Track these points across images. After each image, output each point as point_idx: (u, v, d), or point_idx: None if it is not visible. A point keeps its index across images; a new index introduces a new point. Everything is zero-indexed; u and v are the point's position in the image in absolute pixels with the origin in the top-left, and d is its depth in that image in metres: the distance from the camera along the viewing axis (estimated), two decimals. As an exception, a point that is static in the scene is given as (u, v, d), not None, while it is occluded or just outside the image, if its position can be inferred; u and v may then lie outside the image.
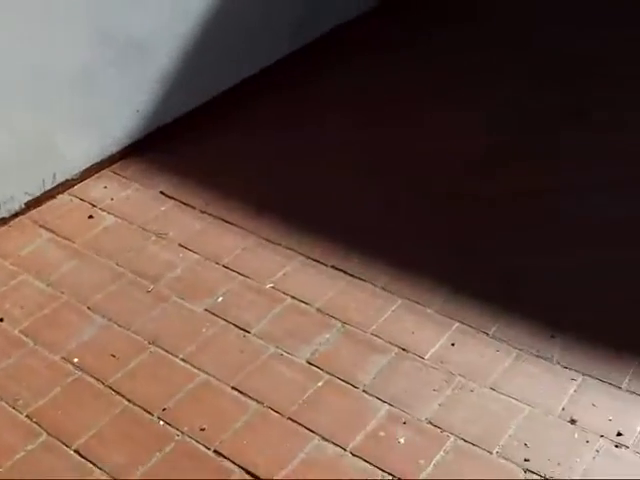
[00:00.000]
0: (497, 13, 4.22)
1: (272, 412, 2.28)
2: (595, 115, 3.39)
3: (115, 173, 3.30)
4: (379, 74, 3.79)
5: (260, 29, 3.70)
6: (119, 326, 2.59)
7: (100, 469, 2.16)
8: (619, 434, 2.15)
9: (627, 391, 2.27)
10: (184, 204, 3.10)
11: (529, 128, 3.34)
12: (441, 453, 2.14)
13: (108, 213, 3.09)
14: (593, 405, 2.24)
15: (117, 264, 2.84)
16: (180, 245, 2.91)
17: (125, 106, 3.32)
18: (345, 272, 2.74)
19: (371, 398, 2.30)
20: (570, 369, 2.34)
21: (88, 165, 3.26)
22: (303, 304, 2.63)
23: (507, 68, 3.76)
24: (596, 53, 3.77)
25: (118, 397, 2.36)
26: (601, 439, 2.15)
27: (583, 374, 2.32)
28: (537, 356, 2.39)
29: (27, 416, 2.32)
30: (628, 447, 2.12)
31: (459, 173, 3.13)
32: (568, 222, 2.86)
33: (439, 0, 4.38)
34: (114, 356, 2.49)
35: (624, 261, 2.67)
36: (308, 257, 2.81)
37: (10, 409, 2.34)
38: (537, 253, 2.75)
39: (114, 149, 3.34)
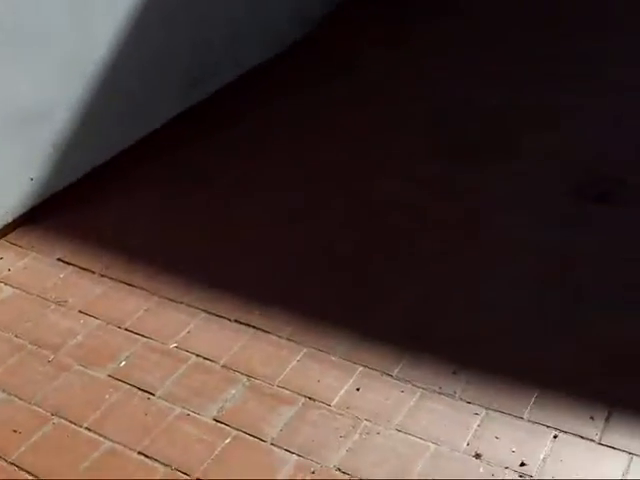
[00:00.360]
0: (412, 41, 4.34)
1: (180, 474, 2.25)
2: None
3: (11, 243, 3.25)
4: (274, 125, 3.85)
5: (150, 91, 3.72)
6: (20, 399, 2.54)
7: None
8: (522, 464, 2.19)
9: (528, 421, 2.31)
10: (83, 269, 3.07)
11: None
12: (351, 499, 2.15)
13: (5, 284, 3.03)
14: (496, 438, 2.28)
15: (16, 336, 2.78)
16: (80, 311, 2.87)
17: (18, 175, 3.28)
18: (248, 325, 2.74)
19: (279, 450, 2.30)
20: (473, 404, 2.38)
21: (-18, 237, 3.21)
22: (208, 361, 2.62)
23: (403, 111, 3.86)
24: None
25: (22, 472, 2.30)
26: (506, 470, 2.18)
27: (486, 408, 2.37)
28: (440, 393, 2.43)
29: None
30: (532, 476, 2.16)
31: (361, 220, 3.18)
32: (471, 255, 2.93)
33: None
34: (16, 431, 2.43)
35: (516, 296, 2.75)
36: (211, 313, 2.80)
37: None
38: (437, 290, 2.80)
39: (9, 218, 3.29)
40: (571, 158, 3.43)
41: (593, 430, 2.27)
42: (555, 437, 2.25)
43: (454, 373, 2.48)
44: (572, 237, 2.98)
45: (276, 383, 2.52)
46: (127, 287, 2.95)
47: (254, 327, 2.73)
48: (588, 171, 3.34)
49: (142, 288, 2.94)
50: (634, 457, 2.18)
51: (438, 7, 4.88)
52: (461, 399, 2.40)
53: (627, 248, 2.92)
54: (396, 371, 2.51)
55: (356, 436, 2.32)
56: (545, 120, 3.71)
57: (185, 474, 2.25)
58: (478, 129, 3.68)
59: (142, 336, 2.74)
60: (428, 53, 4.38)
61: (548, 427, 2.28)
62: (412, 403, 2.40)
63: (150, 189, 3.48)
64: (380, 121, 3.82)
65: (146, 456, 2.31)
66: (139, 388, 2.54)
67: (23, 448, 2.37)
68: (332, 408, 2.41)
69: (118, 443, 2.36)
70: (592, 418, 2.30)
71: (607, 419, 2.29)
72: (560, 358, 2.49)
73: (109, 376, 2.59)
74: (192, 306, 2.84)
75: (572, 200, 3.18)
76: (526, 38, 4.43)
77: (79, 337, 2.76)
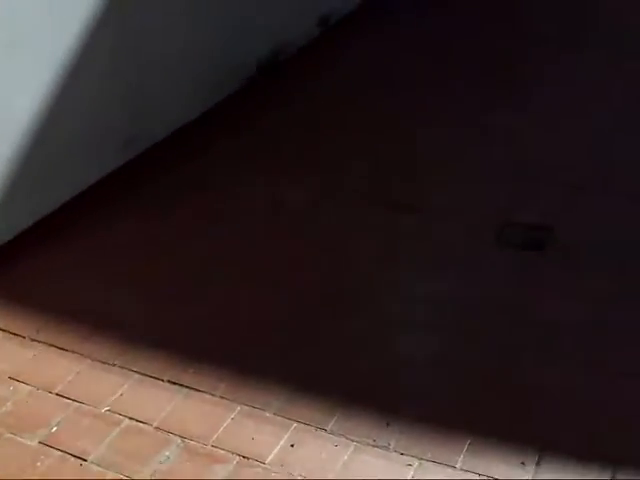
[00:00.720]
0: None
1: (114, 541, 2.22)
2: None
3: (-62, 310, 3.19)
4: (211, 177, 3.88)
5: (82, 149, 3.71)
6: (-52, 472, 2.48)
7: None
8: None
9: (461, 469, 2.34)
10: (13, 334, 3.03)
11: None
12: None
13: None
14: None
15: (-57, 406, 2.73)
16: (10, 378, 2.83)
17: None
18: (182, 385, 2.73)
19: (214, 512, 2.29)
20: (406, 455, 2.40)
21: None
22: (141, 424, 2.59)
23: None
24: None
25: None
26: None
27: (419, 458, 2.38)
28: (374, 446, 2.44)
29: None
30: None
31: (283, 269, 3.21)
32: (391, 308, 2.97)
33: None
34: (-56, 505, 2.38)
35: (443, 345, 2.79)
36: (144, 374, 2.78)
37: None
38: (365, 343, 2.83)
39: (-64, 285, 3.24)
40: (494, 207, 3.52)
41: (525, 475, 2.30)
42: (487, 484, 2.28)
43: (388, 425, 2.50)
44: (498, 286, 3.05)
45: (210, 442, 2.50)
46: (58, 350, 2.92)
47: (187, 386, 2.71)
48: (513, 219, 3.42)
49: (74, 351, 2.91)
50: (565, 500, 2.22)
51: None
52: (395, 450, 2.42)
53: (556, 296, 2.99)
54: (330, 425, 2.52)
55: (291, 493, 2.32)
56: (461, 169, 3.80)
57: (118, 541, 2.22)
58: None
59: (74, 401, 2.70)
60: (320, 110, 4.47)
61: (480, 475, 2.31)
62: (346, 457, 2.41)
63: (81, 248, 3.46)
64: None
65: (79, 524, 2.28)
66: (71, 454, 2.50)
67: (-48, 522, 2.32)
68: (267, 466, 2.41)
69: (50, 512, 2.32)
70: (523, 463, 2.33)
71: (538, 463, 2.33)
72: (490, 405, 2.53)
73: (40, 443, 2.55)
74: (125, 368, 2.82)
75: (498, 250, 3.25)
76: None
77: (9, 404, 2.71)
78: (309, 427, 2.52)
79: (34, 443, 2.56)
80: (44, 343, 2.96)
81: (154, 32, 3.98)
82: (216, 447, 2.49)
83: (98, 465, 2.46)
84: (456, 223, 3.41)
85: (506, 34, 5.08)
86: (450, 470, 2.34)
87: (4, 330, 3.05)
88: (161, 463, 2.45)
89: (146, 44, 3.94)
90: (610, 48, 4.70)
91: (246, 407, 2.61)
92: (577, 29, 5.02)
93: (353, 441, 2.46)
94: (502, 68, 4.67)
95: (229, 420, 2.58)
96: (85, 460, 2.48)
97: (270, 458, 2.43)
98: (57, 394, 2.74)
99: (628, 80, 4.40)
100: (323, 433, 2.50)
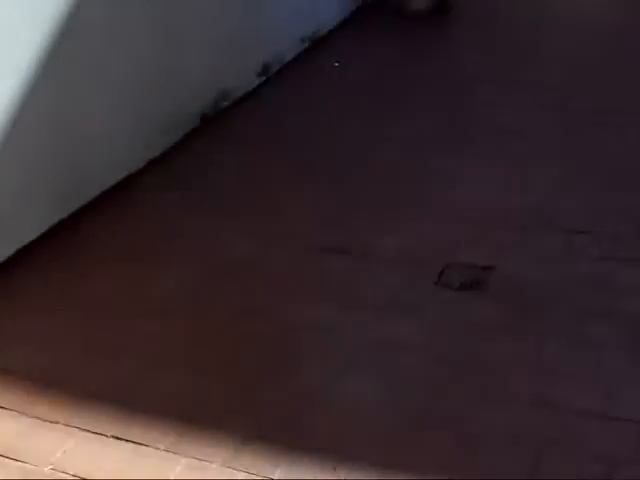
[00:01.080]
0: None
1: None
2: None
3: None
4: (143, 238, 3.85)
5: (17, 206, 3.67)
6: None
7: None
8: None
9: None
10: (-49, 395, 2.97)
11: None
12: None
13: None
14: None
15: None
16: (-51, 440, 2.77)
17: None
18: (127, 440, 2.69)
19: None
20: (354, 500, 2.40)
21: None
22: (85, 481, 2.56)
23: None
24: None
25: None
26: None
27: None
28: (321, 493, 2.43)
29: None
30: None
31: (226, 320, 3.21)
32: (336, 361, 2.98)
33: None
34: None
35: (387, 393, 2.81)
36: (88, 430, 2.74)
37: None
38: (312, 390, 2.82)
39: None
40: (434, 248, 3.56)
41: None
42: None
43: (335, 469, 2.50)
44: (440, 327, 3.08)
45: (156, 497, 2.47)
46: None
47: (132, 442, 2.68)
48: (454, 260, 3.47)
49: (15, 410, 2.85)
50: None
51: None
52: (342, 497, 2.41)
53: (498, 335, 3.02)
54: (277, 473, 2.51)
55: None
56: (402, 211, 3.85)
57: None
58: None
59: (15, 460, 2.65)
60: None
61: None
62: (292, 505, 2.40)
63: (21, 307, 3.41)
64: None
65: None
66: (13, 516, 2.45)
67: None
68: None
69: None
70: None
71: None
72: (435, 446, 2.54)
73: (-18, 505, 2.50)
74: (69, 425, 2.77)
75: (439, 291, 3.29)
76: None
77: (-52, 466, 2.65)
78: (257, 477, 2.50)
79: (-26, 506, 2.50)
80: (-16, 403, 2.91)
81: (95, 82, 3.96)
82: (162, 502, 2.46)
83: (40, 526, 2.41)
84: (397, 266, 3.45)
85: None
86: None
87: (-57, 391, 2.98)
88: (106, 521, 2.41)
89: (86, 95, 3.93)
90: (486, 150, 4.47)
91: (191, 460, 2.59)
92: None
93: (300, 489, 2.45)
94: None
95: (174, 473, 2.55)
96: (27, 521, 2.43)
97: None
98: (-1, 455, 2.69)
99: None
100: (270, 482, 2.49)
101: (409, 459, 2.50)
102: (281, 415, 2.72)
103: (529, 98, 5.04)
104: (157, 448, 2.64)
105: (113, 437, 2.71)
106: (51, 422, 2.79)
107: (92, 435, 2.72)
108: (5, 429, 2.78)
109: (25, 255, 3.68)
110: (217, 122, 4.84)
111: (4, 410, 2.86)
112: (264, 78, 5.40)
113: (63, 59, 3.78)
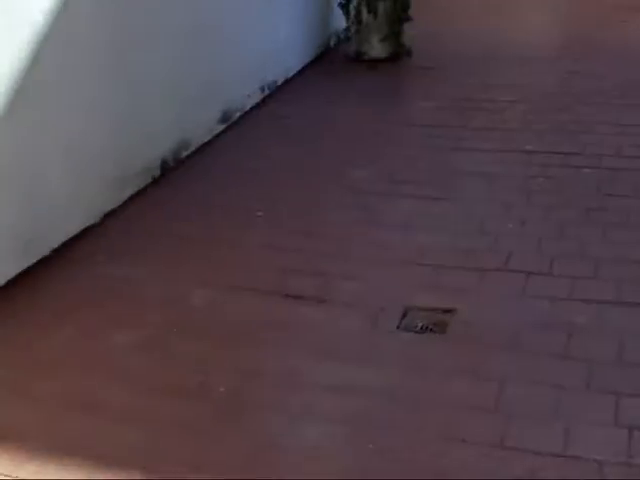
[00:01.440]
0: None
1: None
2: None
3: None
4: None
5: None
6: None
7: None
8: None
9: None
10: None
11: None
12: None
13: None
14: None
15: None
16: None
17: None
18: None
19: None
20: None
21: None
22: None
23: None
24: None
25: None
26: None
27: None
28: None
29: None
30: None
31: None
32: (292, 393, 2.99)
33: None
34: None
35: (348, 439, 2.81)
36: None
37: None
38: (272, 436, 2.83)
39: None
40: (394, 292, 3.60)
41: None
42: None
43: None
44: (402, 371, 3.11)
45: None
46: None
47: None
48: (414, 303, 3.51)
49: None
50: None
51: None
52: None
53: (460, 377, 3.06)
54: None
55: None
56: (361, 256, 3.89)
57: None
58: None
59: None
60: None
61: None
62: None
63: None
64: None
65: None
66: None
67: None
68: None
69: None
70: None
71: None
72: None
73: None
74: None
75: (401, 334, 3.32)
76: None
77: None
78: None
79: None
80: None
81: (50, 130, 3.95)
82: None
83: None
84: (357, 311, 3.48)
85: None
86: None
87: None
88: None
89: (42, 142, 3.91)
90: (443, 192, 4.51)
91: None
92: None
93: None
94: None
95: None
96: None
97: None
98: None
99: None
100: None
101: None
102: (241, 463, 2.71)
103: (484, 142, 5.14)
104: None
105: None
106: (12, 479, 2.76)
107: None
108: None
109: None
110: (177, 171, 4.88)
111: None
112: (224, 126, 5.45)
113: (24, 101, 3.77)
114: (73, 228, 4.15)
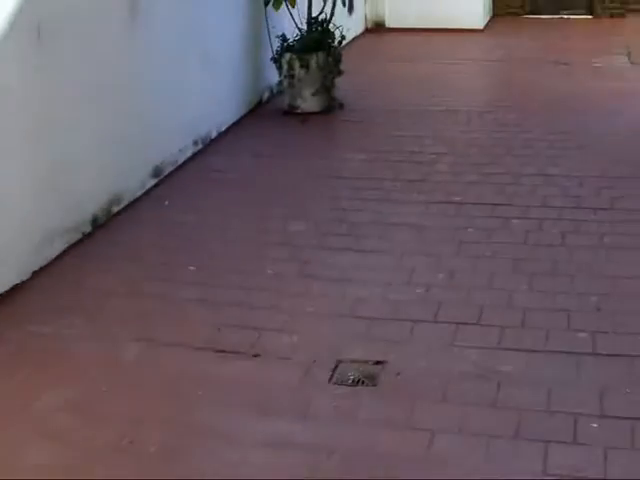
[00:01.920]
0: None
1: None
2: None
3: None
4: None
5: None
6: None
7: None
8: None
9: None
10: None
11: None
12: None
13: None
14: None
15: None
16: None
17: None
18: None
19: None
20: None
21: None
22: None
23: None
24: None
25: None
26: None
27: None
28: None
29: None
30: None
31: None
32: (225, 449, 2.97)
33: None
34: None
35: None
36: None
37: None
38: None
39: None
40: (326, 346, 3.62)
41: None
42: None
43: None
44: (333, 425, 3.11)
45: None
46: None
47: None
48: (346, 356, 3.53)
49: None
50: None
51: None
52: None
53: (392, 430, 3.08)
54: None
55: None
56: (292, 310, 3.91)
57: None
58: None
59: None
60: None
61: None
62: None
63: None
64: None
65: None
66: None
67: None
68: None
69: None
70: None
71: None
72: None
73: None
74: None
75: (332, 388, 3.33)
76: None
77: None
78: None
79: None
80: None
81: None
82: None
83: None
84: (290, 365, 3.48)
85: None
86: None
87: None
88: None
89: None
90: (374, 244, 4.59)
91: None
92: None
93: None
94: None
95: None
96: None
97: None
98: None
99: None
100: None
101: None
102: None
103: (414, 194, 5.24)
104: None
105: None
106: None
107: None
108: None
109: None
110: (108, 226, 4.85)
111: None
112: (157, 180, 5.45)
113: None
114: (1, 286, 4.09)
